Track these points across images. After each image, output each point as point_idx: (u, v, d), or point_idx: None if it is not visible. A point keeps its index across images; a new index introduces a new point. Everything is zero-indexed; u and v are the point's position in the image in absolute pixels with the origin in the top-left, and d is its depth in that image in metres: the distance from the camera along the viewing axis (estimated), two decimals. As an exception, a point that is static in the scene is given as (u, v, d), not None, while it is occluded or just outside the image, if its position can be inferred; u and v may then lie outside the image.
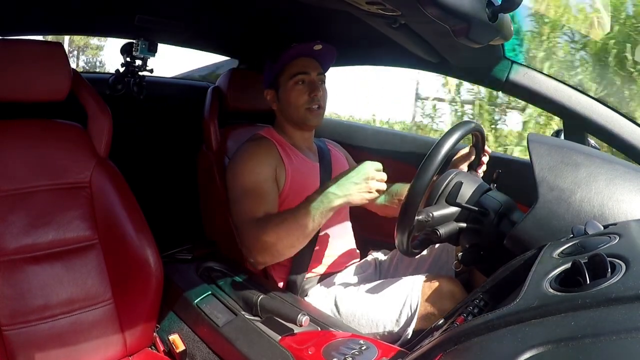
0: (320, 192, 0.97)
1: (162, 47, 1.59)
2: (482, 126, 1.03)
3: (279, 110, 1.26)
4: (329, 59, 1.27)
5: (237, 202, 1.14)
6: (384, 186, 0.96)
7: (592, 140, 1.16)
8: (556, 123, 3.11)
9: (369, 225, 1.46)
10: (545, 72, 1.16)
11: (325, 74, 1.28)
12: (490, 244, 0.89)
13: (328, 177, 1.26)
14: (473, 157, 1.12)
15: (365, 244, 1.51)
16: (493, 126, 3.64)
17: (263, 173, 1.15)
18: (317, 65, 1.23)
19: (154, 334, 1.11)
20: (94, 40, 8.17)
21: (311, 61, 1.23)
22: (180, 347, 1.03)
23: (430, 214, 0.89)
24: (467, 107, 3.89)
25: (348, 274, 1.26)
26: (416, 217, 0.88)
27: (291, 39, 1.23)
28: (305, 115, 1.21)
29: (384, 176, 0.96)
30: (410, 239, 0.91)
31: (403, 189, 1.33)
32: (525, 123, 3.44)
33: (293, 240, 1.00)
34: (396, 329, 1.01)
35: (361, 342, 0.81)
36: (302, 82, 1.20)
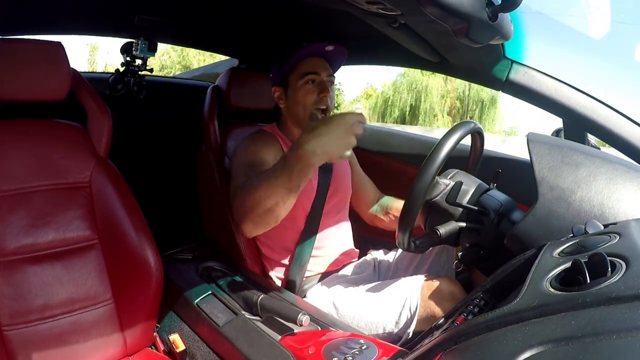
0: (297, 148, 0.84)
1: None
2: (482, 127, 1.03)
3: (286, 108, 1.25)
4: (339, 60, 1.25)
5: (233, 178, 1.11)
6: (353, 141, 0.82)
7: (592, 140, 1.16)
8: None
9: (369, 225, 1.46)
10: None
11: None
12: (490, 243, 0.89)
13: (327, 176, 1.26)
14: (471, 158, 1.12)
15: (364, 243, 1.51)
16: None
17: (264, 156, 1.14)
18: (327, 66, 1.22)
19: (154, 333, 1.11)
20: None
21: (322, 61, 1.22)
22: (181, 346, 1.03)
23: (449, 182, 0.92)
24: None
25: (346, 274, 1.26)
26: (437, 177, 0.91)
27: (293, 38, 1.22)
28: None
29: (358, 128, 0.82)
30: (411, 238, 0.91)
31: (392, 202, 1.34)
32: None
33: (272, 204, 0.90)
34: (396, 330, 1.01)
35: (361, 341, 0.81)
36: (312, 82, 1.19)
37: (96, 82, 1.63)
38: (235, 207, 1.01)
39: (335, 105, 1.37)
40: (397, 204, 1.32)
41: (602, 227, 0.64)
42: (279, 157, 1.17)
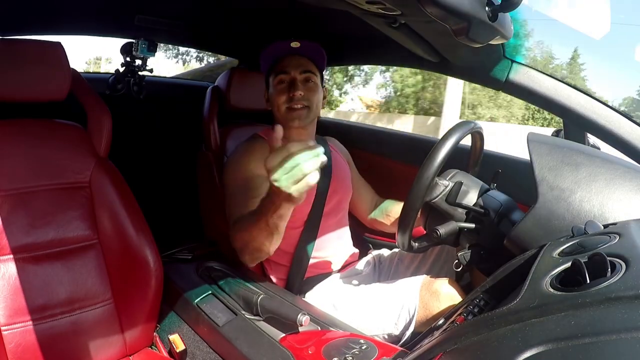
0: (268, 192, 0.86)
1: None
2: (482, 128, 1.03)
3: (271, 110, 1.27)
4: (317, 56, 1.24)
5: (230, 197, 1.14)
6: (309, 168, 0.73)
7: (592, 140, 1.16)
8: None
9: (369, 227, 1.46)
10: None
11: (321, 72, 1.27)
12: (490, 243, 0.89)
13: (327, 178, 1.26)
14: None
15: (364, 243, 1.51)
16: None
17: (254, 170, 1.14)
18: (300, 64, 1.21)
19: (154, 333, 1.11)
20: None
21: (294, 59, 1.21)
22: (181, 346, 1.03)
23: (449, 183, 0.93)
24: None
25: (346, 275, 1.26)
26: (436, 178, 0.92)
27: (291, 38, 1.22)
28: (286, 115, 1.19)
29: (306, 155, 0.74)
30: (411, 238, 0.91)
31: (392, 205, 1.34)
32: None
33: (259, 243, 0.94)
34: (395, 332, 1.01)
35: (361, 341, 0.81)
36: (282, 82, 1.20)
37: (96, 82, 1.63)
38: (233, 239, 1.03)
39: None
40: (397, 207, 1.32)
41: (602, 228, 0.64)
42: None
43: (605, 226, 0.65)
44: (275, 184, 0.76)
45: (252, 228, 0.92)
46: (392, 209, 1.33)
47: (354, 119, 12.19)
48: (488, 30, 0.77)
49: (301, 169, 0.74)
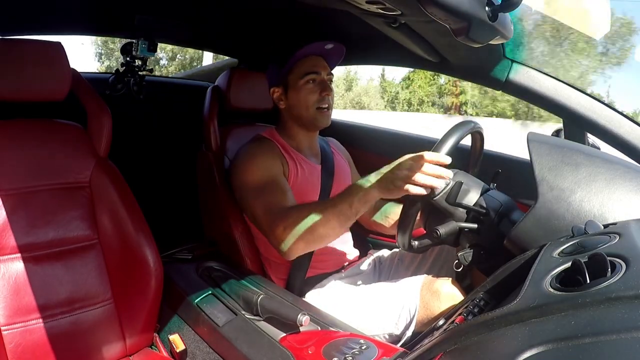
0: (361, 181, 0.94)
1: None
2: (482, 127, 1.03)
3: (287, 109, 1.25)
4: (337, 59, 1.26)
5: (257, 196, 1.11)
6: (431, 181, 0.85)
7: (592, 140, 1.16)
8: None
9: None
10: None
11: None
12: (490, 243, 0.90)
13: (330, 179, 1.26)
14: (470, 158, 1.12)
15: (365, 243, 1.51)
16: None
17: (274, 168, 1.15)
18: (326, 65, 1.23)
19: (154, 333, 1.11)
20: None
21: (321, 60, 1.22)
22: (181, 346, 1.03)
23: (449, 182, 0.93)
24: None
25: (347, 275, 1.26)
26: None
27: (292, 38, 1.23)
28: (315, 116, 1.21)
29: (432, 168, 0.85)
30: (411, 238, 0.91)
31: (392, 208, 1.34)
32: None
33: (328, 230, 0.97)
34: (396, 332, 1.01)
35: (361, 341, 0.81)
36: (312, 82, 1.20)
37: (96, 82, 1.63)
38: (279, 231, 1.01)
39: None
40: (397, 209, 1.32)
41: (602, 227, 0.64)
42: (283, 163, 1.18)
43: (605, 226, 0.65)
44: (395, 169, 0.88)
45: (330, 212, 0.96)
46: (392, 212, 1.33)
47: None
48: (488, 30, 0.77)
49: (417, 176, 0.85)
